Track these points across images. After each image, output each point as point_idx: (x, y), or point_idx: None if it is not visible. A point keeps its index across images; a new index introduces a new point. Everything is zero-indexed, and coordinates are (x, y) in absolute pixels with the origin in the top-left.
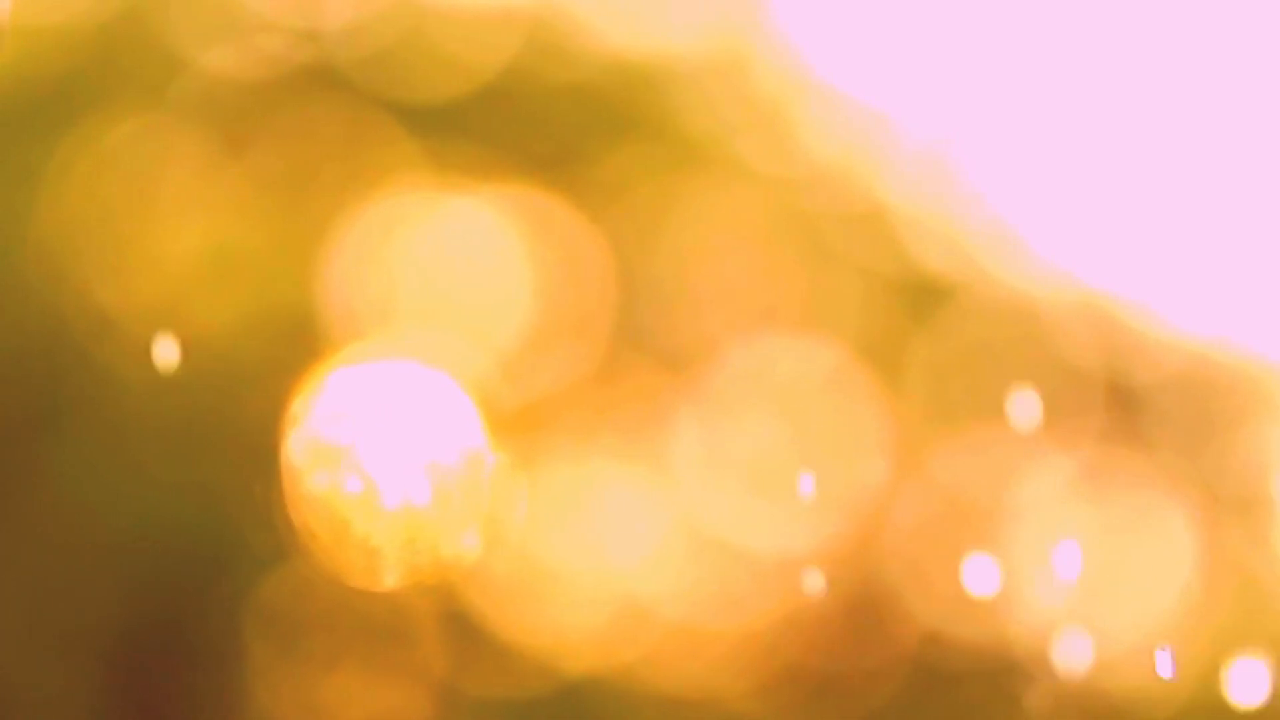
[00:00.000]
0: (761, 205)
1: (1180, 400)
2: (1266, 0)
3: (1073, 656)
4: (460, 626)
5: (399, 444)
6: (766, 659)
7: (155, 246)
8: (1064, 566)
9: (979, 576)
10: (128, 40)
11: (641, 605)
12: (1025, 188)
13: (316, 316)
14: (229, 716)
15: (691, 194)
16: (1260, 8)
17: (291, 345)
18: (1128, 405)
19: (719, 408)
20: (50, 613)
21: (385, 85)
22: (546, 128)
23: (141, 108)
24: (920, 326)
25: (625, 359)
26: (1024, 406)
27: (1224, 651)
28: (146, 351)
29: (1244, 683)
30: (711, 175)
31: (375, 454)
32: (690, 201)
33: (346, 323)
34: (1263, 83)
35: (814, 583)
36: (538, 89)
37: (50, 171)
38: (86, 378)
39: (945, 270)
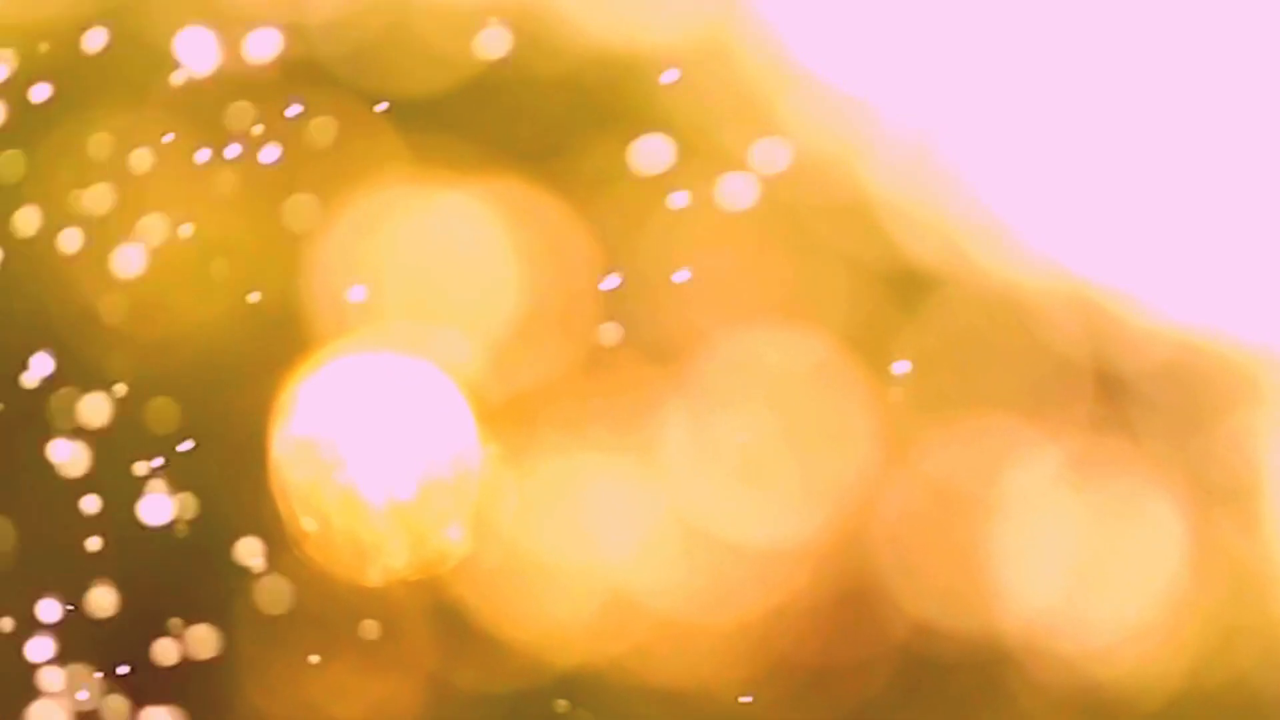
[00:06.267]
0: (747, 197)
1: (1168, 389)
2: None
3: (1063, 647)
4: (451, 620)
5: (388, 438)
6: (757, 651)
7: (141, 242)
8: (1053, 556)
9: (968, 567)
10: (111, 36)
11: (632, 598)
12: (1011, 178)
13: (304, 311)
14: (221, 713)
15: (677, 186)
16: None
17: (279, 340)
18: (1115, 394)
19: (707, 399)
20: (40, 611)
21: (370, 79)
22: (532, 120)
23: (125, 104)
24: (907, 317)
25: (612, 351)
26: (1011, 396)
27: (1213, 640)
28: (134, 349)
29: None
30: (697, 167)
31: (364, 448)
32: (676, 193)
33: (334, 317)
34: (1244, 70)
35: (804, 575)
36: (523, 82)
37: (34, 168)
38: (73, 374)
39: (932, 261)
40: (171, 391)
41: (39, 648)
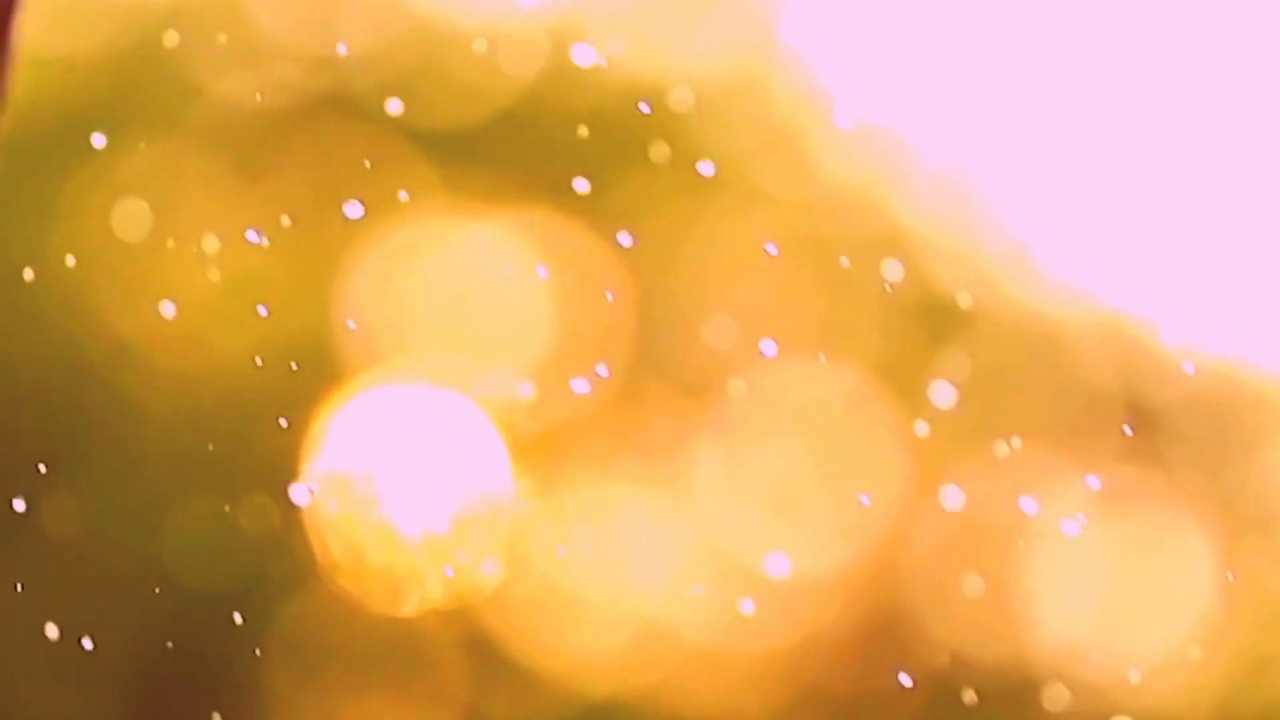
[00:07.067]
0: (779, 229)
1: (1200, 420)
2: None
3: (1093, 678)
4: (482, 652)
5: (419, 470)
6: (789, 682)
7: (173, 275)
8: (1084, 587)
9: (999, 598)
10: (144, 69)
11: (663, 629)
12: (1042, 210)
13: (335, 343)
14: None
15: (709, 218)
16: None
17: (310, 372)
18: (1146, 425)
19: (738, 431)
20: (71, 644)
21: (402, 112)
22: (564, 153)
23: (158, 136)
24: (939, 349)
25: (644, 384)
26: (1043, 427)
27: (1244, 671)
28: (165, 381)
29: None
30: (729, 199)
31: (396, 481)
32: (708, 226)
33: (365, 349)
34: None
35: (835, 605)
36: (555, 114)
37: (67, 201)
38: (105, 408)
39: (963, 293)
40: (204, 424)
41: (68, 680)
